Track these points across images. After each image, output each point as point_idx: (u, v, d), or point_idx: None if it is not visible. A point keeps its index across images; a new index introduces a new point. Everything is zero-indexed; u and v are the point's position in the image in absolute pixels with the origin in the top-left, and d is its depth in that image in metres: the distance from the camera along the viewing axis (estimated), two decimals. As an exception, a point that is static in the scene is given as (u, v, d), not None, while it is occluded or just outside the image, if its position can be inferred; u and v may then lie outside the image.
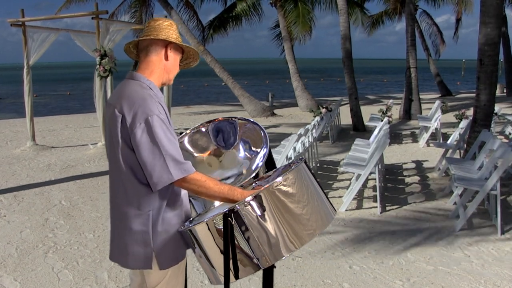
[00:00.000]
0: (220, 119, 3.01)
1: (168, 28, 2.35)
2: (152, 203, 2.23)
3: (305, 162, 2.35)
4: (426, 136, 10.66)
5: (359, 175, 6.08)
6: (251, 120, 2.95)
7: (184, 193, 2.39)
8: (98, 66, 9.56)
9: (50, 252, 4.73)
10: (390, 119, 9.15)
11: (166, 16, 13.36)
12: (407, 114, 15.43)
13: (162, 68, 2.36)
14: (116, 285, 4.01)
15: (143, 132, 2.13)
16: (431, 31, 26.69)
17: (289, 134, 8.11)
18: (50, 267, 4.38)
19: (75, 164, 8.95)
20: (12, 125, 14.81)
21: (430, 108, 13.08)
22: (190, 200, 2.79)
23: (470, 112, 8.50)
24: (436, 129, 10.82)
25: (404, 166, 8.51)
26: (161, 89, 2.53)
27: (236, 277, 2.12)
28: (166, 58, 2.35)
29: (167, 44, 2.34)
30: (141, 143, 2.14)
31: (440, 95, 24.96)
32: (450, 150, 8.04)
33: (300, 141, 7.24)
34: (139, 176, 2.21)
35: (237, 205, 2.06)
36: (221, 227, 2.08)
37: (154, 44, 2.33)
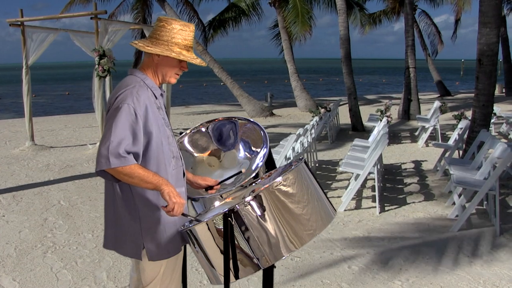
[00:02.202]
0: (220, 119, 3.02)
1: (160, 29, 2.35)
2: (140, 195, 2.32)
3: (305, 162, 2.35)
4: (425, 136, 10.67)
5: (358, 175, 6.08)
6: (251, 120, 2.95)
7: (177, 191, 2.40)
8: (96, 66, 9.55)
9: (49, 252, 4.72)
10: (390, 119, 9.15)
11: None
12: (406, 114, 15.43)
13: (154, 68, 2.41)
14: (115, 285, 4.01)
15: (110, 115, 2.24)
16: (429, 31, 26.73)
17: (288, 134, 8.11)
18: (49, 267, 4.38)
19: (74, 164, 8.95)
20: (11, 125, 14.79)
21: (429, 108, 13.09)
22: (190, 201, 2.80)
23: (469, 112, 8.50)
24: (435, 129, 10.83)
25: (403, 166, 8.52)
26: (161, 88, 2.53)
27: (236, 277, 2.13)
28: (156, 60, 2.38)
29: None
30: (105, 123, 2.27)
31: (439, 95, 24.99)
32: (449, 150, 8.04)
33: (299, 141, 7.24)
34: None
35: (237, 205, 2.06)
36: (221, 227, 2.08)
37: None
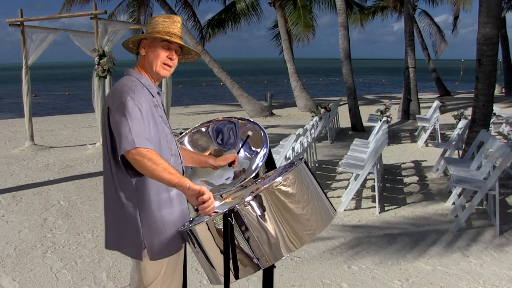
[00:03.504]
0: (220, 119, 3.02)
1: (147, 26, 2.44)
2: (140, 195, 2.31)
3: (305, 162, 2.35)
4: (424, 136, 10.67)
5: (357, 175, 6.08)
6: (251, 120, 2.96)
7: (177, 191, 2.40)
8: (96, 66, 9.55)
9: (48, 252, 4.72)
10: (389, 119, 9.15)
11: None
12: (405, 114, 15.43)
13: (144, 63, 2.43)
14: (114, 285, 4.01)
15: (116, 111, 2.21)
16: (431, 30, 26.71)
17: (288, 134, 8.11)
18: (49, 267, 4.38)
19: (73, 164, 8.94)
20: (11, 125, 14.79)
21: (429, 107, 13.11)
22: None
23: (468, 112, 8.51)
24: (434, 129, 10.83)
25: (403, 166, 8.52)
26: (160, 87, 2.55)
27: (236, 277, 2.12)
28: (143, 52, 2.43)
29: (141, 39, 2.45)
30: (114, 121, 2.21)
31: (438, 95, 24.99)
32: (449, 150, 8.05)
33: (298, 141, 7.24)
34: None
35: (237, 205, 2.06)
36: (221, 227, 2.08)
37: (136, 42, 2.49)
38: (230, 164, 2.76)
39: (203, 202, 2.10)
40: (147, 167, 2.12)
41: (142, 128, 2.19)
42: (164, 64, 2.40)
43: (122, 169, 2.23)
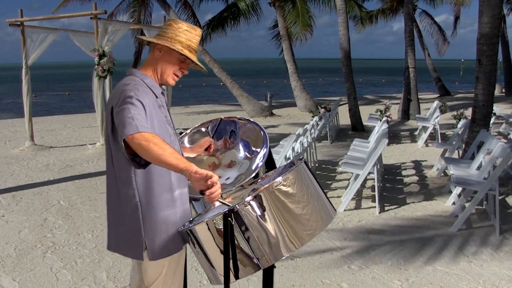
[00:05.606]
0: (221, 119, 3.02)
1: (167, 27, 2.41)
2: (142, 194, 2.30)
3: (305, 162, 2.35)
4: (424, 136, 10.67)
5: (357, 175, 6.08)
6: (251, 120, 2.96)
7: (180, 192, 2.40)
8: (96, 66, 9.56)
9: (48, 252, 4.72)
10: (389, 119, 9.15)
11: (165, 17, 13.38)
12: (405, 114, 15.43)
13: (154, 65, 2.41)
14: (114, 285, 4.01)
15: (119, 106, 2.18)
16: (432, 30, 26.72)
17: (288, 134, 8.11)
18: (49, 267, 4.38)
19: (73, 164, 8.94)
20: (11, 125, 14.79)
21: (429, 108, 13.10)
22: (190, 201, 2.80)
23: (468, 112, 8.51)
24: (434, 129, 10.83)
25: (403, 166, 8.52)
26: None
27: (236, 277, 2.12)
28: (158, 54, 2.41)
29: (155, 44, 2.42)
30: (117, 115, 2.17)
31: (438, 95, 24.99)
32: (449, 150, 8.04)
33: (298, 141, 7.24)
34: (127, 163, 2.26)
35: (237, 205, 2.06)
36: (221, 227, 2.08)
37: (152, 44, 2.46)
38: (207, 149, 2.76)
39: (211, 186, 2.09)
40: (154, 151, 2.06)
41: (145, 120, 2.16)
42: (175, 74, 2.41)
43: (125, 167, 2.24)
